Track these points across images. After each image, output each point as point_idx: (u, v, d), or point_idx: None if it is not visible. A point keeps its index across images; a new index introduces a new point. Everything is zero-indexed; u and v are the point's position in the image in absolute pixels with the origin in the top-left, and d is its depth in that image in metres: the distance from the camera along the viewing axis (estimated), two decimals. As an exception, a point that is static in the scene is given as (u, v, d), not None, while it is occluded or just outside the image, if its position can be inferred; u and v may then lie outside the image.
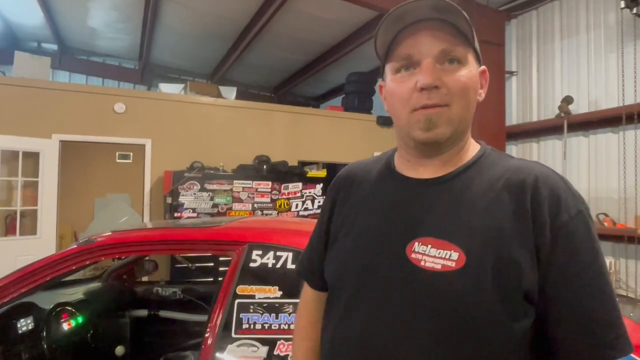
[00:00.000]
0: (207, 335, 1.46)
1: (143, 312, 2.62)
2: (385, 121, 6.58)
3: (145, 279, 3.03)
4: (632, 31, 4.55)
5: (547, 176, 0.71)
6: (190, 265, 3.06)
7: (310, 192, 5.49)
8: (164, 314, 2.61)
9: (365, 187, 0.84)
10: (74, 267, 1.64)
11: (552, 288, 0.65)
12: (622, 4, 4.32)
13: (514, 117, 5.92)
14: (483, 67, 0.81)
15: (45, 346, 1.95)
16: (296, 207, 5.41)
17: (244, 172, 5.26)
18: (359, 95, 7.08)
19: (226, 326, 1.47)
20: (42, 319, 2.02)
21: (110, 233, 1.76)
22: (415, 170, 0.79)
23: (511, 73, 5.94)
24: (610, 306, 0.65)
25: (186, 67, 8.91)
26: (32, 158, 4.81)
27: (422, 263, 0.68)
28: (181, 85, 6.50)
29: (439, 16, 0.73)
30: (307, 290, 1.00)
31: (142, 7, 6.34)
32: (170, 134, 5.57)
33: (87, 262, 1.66)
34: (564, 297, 0.65)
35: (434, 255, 0.68)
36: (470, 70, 0.75)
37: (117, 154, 7.05)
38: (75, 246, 1.67)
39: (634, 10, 4.31)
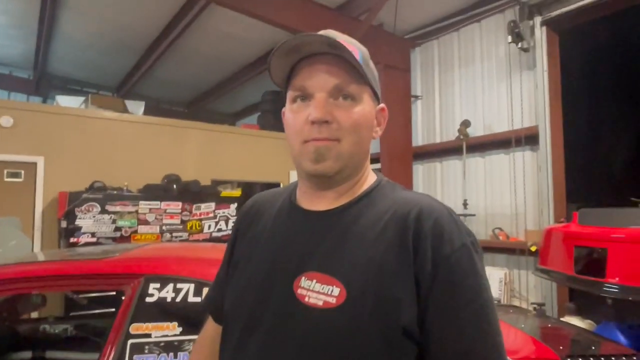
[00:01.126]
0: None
1: (26, 355, 2.32)
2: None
3: (31, 315, 2.70)
4: (518, 63, 5.08)
5: (432, 209, 0.69)
6: (79, 298, 2.77)
7: (224, 212, 5.33)
8: (51, 355, 2.33)
9: (267, 219, 0.84)
10: None
11: (431, 325, 0.63)
12: (509, 39, 4.82)
13: (419, 138, 6.28)
14: (382, 105, 0.82)
15: None
16: (209, 228, 5.21)
17: (151, 192, 4.96)
18: (274, 113, 7.09)
19: (118, 368, 1.34)
20: None
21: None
22: (312, 202, 0.79)
23: (417, 97, 6.32)
24: (491, 345, 0.63)
25: (89, 79, 8.31)
26: None
27: (307, 299, 0.68)
28: (82, 99, 6.02)
29: (334, 52, 0.73)
30: (209, 326, 0.96)
31: (37, 13, 5.82)
32: (67, 151, 5.10)
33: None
34: (441, 336, 0.63)
35: (317, 291, 0.67)
36: (364, 108, 0.76)
37: (5, 171, 6.34)
38: None
39: (519, 45, 4.82)
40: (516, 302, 4.97)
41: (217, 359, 0.83)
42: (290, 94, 0.79)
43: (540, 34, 4.82)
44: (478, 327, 0.63)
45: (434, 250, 0.65)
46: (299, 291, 0.69)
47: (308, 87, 0.75)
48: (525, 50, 4.86)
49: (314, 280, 0.68)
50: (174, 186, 5.12)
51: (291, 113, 0.78)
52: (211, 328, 0.94)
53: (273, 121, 7.01)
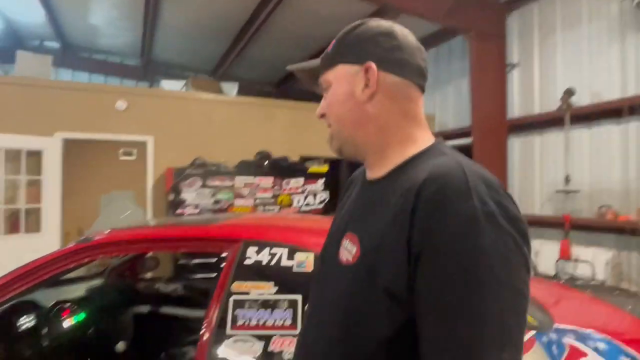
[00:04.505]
0: (203, 331, 1.48)
1: (144, 309, 2.65)
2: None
3: (147, 275, 3.06)
4: (634, 22, 4.51)
5: (440, 175, 0.63)
6: (188, 262, 3.09)
7: (311, 188, 5.50)
8: (165, 310, 2.64)
9: (353, 188, 0.92)
10: (72, 265, 1.66)
11: (418, 299, 0.60)
12: (624, -5, 4.29)
13: (515, 109, 5.89)
14: (366, 64, 0.77)
15: (45, 344, 1.98)
16: (298, 202, 5.42)
17: (245, 168, 5.28)
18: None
19: (222, 322, 1.49)
20: (42, 317, 2.05)
21: (108, 231, 1.78)
22: (368, 174, 0.85)
23: (513, 65, 5.91)
24: (479, 329, 0.55)
25: (188, 64, 8.91)
26: (35, 156, 4.84)
27: (341, 256, 0.76)
28: (183, 82, 6.51)
29: (320, 62, 0.86)
30: None
31: (142, 5, 6.35)
32: (173, 131, 5.58)
33: (85, 260, 1.67)
34: (424, 312, 0.59)
35: (348, 250, 0.74)
36: (334, 88, 0.82)
37: (120, 150, 7.11)
38: (74, 244, 1.69)
39: (635, 1, 4.27)
40: (625, 286, 4.55)
41: None
42: None
43: (664, -14, 4.22)
44: (468, 308, 0.55)
45: (428, 220, 0.60)
46: (340, 250, 0.77)
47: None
48: (644, 6, 4.30)
49: (348, 240, 0.75)
50: (265, 162, 5.39)
51: None
52: None
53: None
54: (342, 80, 0.80)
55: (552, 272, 5.16)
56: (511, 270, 0.57)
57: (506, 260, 0.57)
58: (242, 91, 6.78)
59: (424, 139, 0.78)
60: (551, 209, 5.42)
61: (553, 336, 1.41)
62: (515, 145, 5.89)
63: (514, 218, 0.61)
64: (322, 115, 0.84)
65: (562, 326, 1.48)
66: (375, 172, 0.80)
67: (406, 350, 0.61)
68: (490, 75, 5.56)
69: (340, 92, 0.80)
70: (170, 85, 6.36)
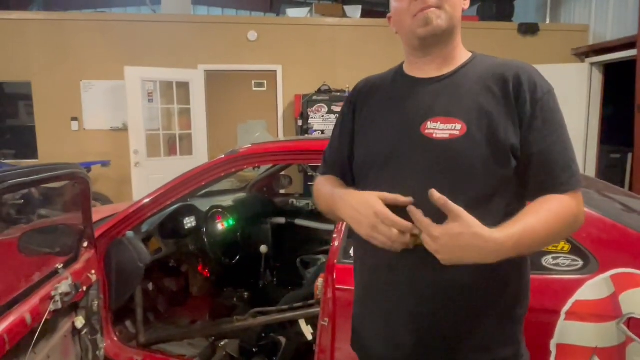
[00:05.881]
0: (334, 237, 1.61)
1: (281, 220, 2.94)
2: (528, 29, 5.87)
3: (282, 191, 3.36)
4: None
5: (525, 67, 0.94)
6: (316, 174, 3.28)
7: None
8: (299, 222, 2.89)
9: (382, 90, 1.05)
10: (222, 174, 1.90)
11: (531, 144, 0.90)
12: None
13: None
14: None
15: (205, 240, 2.35)
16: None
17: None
18: (497, 0, 6.34)
19: (351, 231, 1.60)
20: (201, 219, 2.42)
21: (250, 145, 1.98)
22: (422, 71, 0.99)
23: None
24: (569, 157, 0.91)
25: (311, -10, 8.85)
26: (184, 88, 5.43)
27: (434, 135, 0.91)
28: (307, 9, 6.54)
29: None
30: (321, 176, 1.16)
31: None
32: (299, 58, 5.74)
33: (233, 170, 1.90)
34: (537, 151, 0.90)
35: (442, 129, 0.91)
36: None
37: (252, 82, 7.59)
38: (223, 156, 1.92)
39: None
40: None
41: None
42: None
43: None
44: (562, 144, 0.91)
45: (530, 95, 0.90)
46: (427, 131, 0.92)
47: None
48: None
49: (438, 122, 0.92)
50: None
51: (396, 3, 0.97)
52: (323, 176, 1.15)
53: (495, 10, 6.31)
54: None
55: None
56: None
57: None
58: (366, 14, 6.57)
59: None
60: None
61: None
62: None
63: None
64: (439, 7, 0.92)
65: None
66: (435, 69, 0.98)
67: (511, 194, 0.93)
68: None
69: None
70: (295, 12, 6.44)
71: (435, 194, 0.79)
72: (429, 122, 0.92)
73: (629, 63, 5.06)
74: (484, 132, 0.89)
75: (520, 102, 0.90)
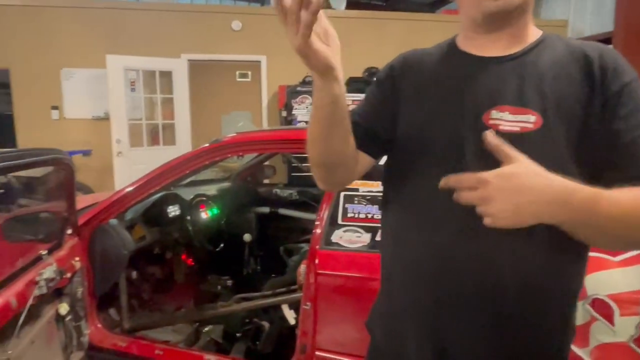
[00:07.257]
0: (317, 224, 1.65)
1: (265, 209, 2.97)
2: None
3: (265, 181, 3.38)
4: None
5: (609, 50, 0.82)
6: (300, 165, 3.31)
7: (421, 104, 5.36)
8: (283, 211, 2.93)
9: (429, 64, 0.90)
10: (207, 162, 1.92)
11: (616, 135, 0.76)
12: None
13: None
14: None
15: (189, 228, 2.37)
16: (407, 119, 5.35)
17: (354, 84, 5.28)
18: (479, -5, 6.40)
19: (333, 216, 1.64)
20: (185, 207, 2.43)
21: (234, 134, 2.00)
22: (484, 49, 0.84)
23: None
24: None
25: (297, -20, 8.79)
26: (167, 77, 5.38)
27: (500, 127, 0.78)
28: (292, -1, 6.51)
29: None
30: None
31: None
32: (283, 49, 5.66)
33: (217, 158, 1.92)
34: (623, 142, 0.76)
35: (511, 120, 0.78)
36: None
37: (237, 72, 7.55)
38: (207, 145, 1.94)
39: None
40: None
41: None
42: None
43: None
44: None
45: (618, 77, 0.77)
46: (491, 121, 0.79)
47: None
48: None
49: (506, 112, 0.78)
50: (375, 79, 5.31)
51: None
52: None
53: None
54: None
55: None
56: None
57: None
58: (351, 5, 6.58)
59: None
60: None
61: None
62: (669, 52, 4.99)
63: None
64: None
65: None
66: (501, 48, 0.83)
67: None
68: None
69: None
70: (281, 3, 6.40)
71: (488, 135, 0.70)
72: (493, 111, 0.79)
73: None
74: (564, 127, 0.76)
75: (605, 85, 0.77)
